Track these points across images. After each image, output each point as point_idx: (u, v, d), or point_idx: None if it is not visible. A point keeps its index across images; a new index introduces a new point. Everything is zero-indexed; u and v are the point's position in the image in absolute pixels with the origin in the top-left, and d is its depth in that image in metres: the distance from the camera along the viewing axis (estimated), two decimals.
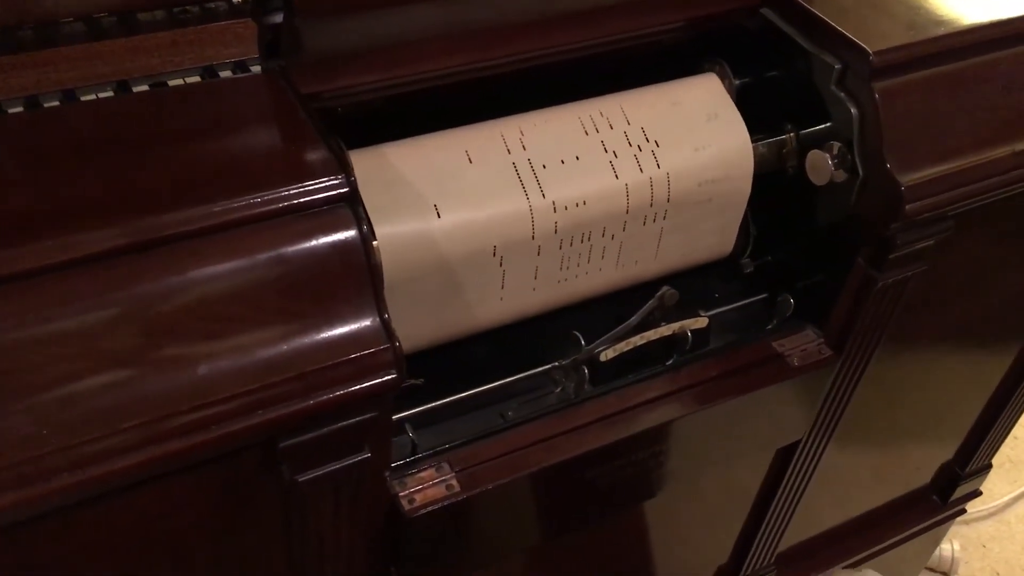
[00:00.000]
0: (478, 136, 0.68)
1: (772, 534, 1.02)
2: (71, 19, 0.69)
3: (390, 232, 0.63)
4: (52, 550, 0.52)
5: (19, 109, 0.61)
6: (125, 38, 0.70)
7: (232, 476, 0.56)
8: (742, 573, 1.06)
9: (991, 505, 1.68)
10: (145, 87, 0.66)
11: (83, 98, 0.65)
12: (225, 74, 0.68)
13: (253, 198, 0.53)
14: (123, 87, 0.67)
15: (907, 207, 0.69)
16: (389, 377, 0.55)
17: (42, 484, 0.46)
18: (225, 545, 0.60)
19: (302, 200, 0.53)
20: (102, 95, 0.66)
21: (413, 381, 0.70)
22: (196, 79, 0.68)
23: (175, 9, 0.69)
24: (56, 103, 0.63)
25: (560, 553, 0.87)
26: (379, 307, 0.55)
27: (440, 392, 0.71)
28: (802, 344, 0.79)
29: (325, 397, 0.53)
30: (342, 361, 0.54)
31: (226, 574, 0.62)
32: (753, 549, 1.03)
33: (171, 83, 0.67)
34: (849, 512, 1.17)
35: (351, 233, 0.54)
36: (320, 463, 0.57)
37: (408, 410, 0.70)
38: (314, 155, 0.56)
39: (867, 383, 0.87)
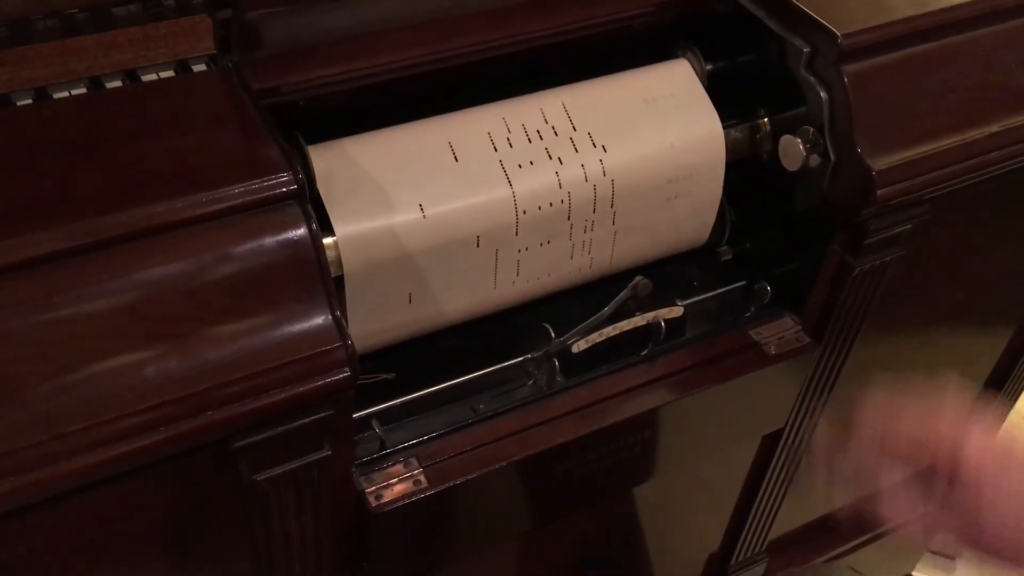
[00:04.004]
0: (440, 129, 0.68)
1: (762, 521, 1.02)
2: (44, 16, 0.69)
3: (350, 227, 0.63)
4: (7, 552, 0.52)
5: None
6: (98, 34, 0.70)
7: (188, 476, 0.55)
8: (733, 560, 1.05)
9: None
10: (118, 83, 0.66)
11: (56, 95, 0.65)
12: (199, 68, 0.68)
13: (199, 198, 0.52)
14: (96, 83, 0.66)
15: (879, 192, 0.68)
16: (342, 375, 0.54)
17: None
18: (187, 545, 0.60)
19: (249, 199, 0.53)
20: (75, 92, 0.67)
21: (384, 376, 0.70)
22: (170, 74, 0.68)
23: (149, 3, 0.69)
24: (29, 101, 0.64)
25: (543, 545, 0.86)
26: (331, 305, 0.54)
27: (411, 386, 0.71)
28: (780, 332, 0.78)
29: (276, 397, 0.53)
30: (293, 360, 0.53)
31: (191, 574, 0.62)
32: (743, 536, 1.02)
33: (145, 78, 0.67)
34: (844, 498, 1.16)
35: (300, 231, 0.54)
36: (278, 462, 0.57)
37: (378, 405, 0.69)
38: (262, 152, 0.55)
39: (855, 368, 0.86)
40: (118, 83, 0.66)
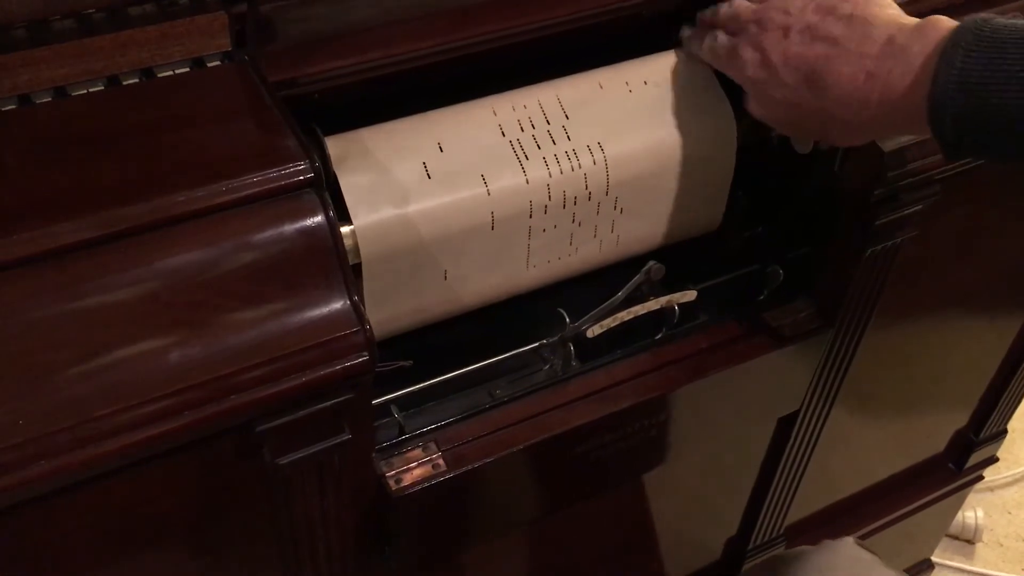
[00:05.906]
0: (454, 118, 0.69)
1: (779, 504, 1.02)
2: (62, 16, 0.70)
3: (367, 216, 0.64)
4: (32, 538, 0.53)
5: (12, 107, 0.62)
6: (115, 33, 0.71)
7: (212, 461, 0.57)
8: (751, 544, 1.06)
9: (1016, 471, 1.66)
10: (135, 81, 0.68)
11: (74, 94, 0.67)
12: (214, 64, 0.69)
13: (218, 187, 0.53)
14: (114, 82, 0.68)
15: (889, 173, 0.68)
16: (361, 359, 0.55)
17: (17, 473, 0.48)
18: (210, 531, 0.61)
19: (267, 187, 0.54)
20: (93, 90, 0.68)
21: (401, 363, 0.71)
22: (186, 71, 0.69)
23: (164, 1, 0.70)
24: (48, 100, 0.65)
25: (560, 529, 0.87)
26: (349, 290, 0.55)
27: (429, 373, 0.72)
28: (792, 315, 0.79)
29: (297, 381, 0.54)
30: (313, 345, 0.54)
31: (213, 560, 0.63)
32: (760, 520, 1.03)
33: (161, 76, 0.68)
34: (862, 481, 1.17)
35: (318, 218, 0.55)
36: (301, 446, 0.58)
37: (397, 391, 0.70)
38: (279, 143, 0.56)
39: (869, 350, 0.86)
40: (135, 81, 0.67)
